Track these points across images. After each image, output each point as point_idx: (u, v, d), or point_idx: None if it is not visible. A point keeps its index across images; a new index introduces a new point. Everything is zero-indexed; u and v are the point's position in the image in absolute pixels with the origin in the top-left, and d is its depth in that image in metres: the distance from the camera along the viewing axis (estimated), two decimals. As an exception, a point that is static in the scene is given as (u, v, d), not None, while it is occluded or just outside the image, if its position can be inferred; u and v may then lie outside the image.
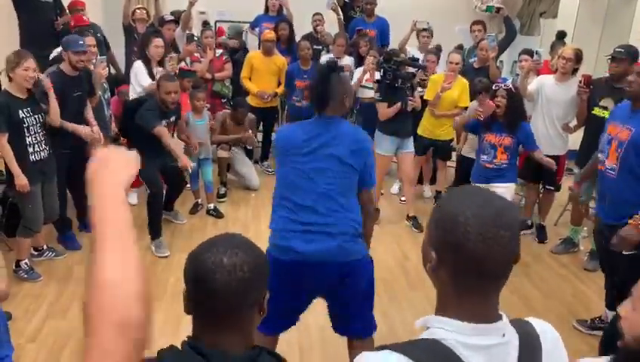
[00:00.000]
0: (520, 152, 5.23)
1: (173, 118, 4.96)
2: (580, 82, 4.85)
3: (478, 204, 1.09)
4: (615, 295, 3.51)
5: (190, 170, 5.01)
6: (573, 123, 5.10)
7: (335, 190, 2.65)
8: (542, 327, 1.22)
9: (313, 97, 2.74)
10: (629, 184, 3.33)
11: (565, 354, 1.25)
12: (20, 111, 3.98)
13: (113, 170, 1.08)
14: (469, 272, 1.10)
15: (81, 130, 4.55)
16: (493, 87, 4.59)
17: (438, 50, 6.42)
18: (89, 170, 1.08)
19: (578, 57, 4.90)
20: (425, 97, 5.70)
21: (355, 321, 2.84)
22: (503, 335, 1.12)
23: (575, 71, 4.97)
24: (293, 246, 2.63)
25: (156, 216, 4.87)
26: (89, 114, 4.78)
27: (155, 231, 4.84)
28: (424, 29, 6.70)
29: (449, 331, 1.10)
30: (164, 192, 5.07)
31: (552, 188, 5.33)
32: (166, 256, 4.71)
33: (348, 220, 2.68)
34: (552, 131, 5.01)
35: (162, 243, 4.84)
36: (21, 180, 3.97)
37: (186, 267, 1.30)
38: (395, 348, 1.11)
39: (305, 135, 2.69)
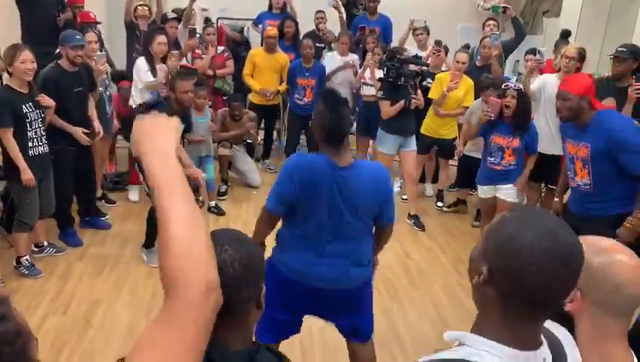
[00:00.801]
0: None
1: (182, 126, 4.80)
2: None
3: (547, 237, 1.05)
4: None
5: (202, 180, 4.65)
6: None
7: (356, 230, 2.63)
8: (563, 337, 1.22)
9: (327, 133, 2.54)
10: (606, 192, 3.40)
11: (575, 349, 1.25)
12: (24, 106, 3.98)
13: (161, 138, 1.14)
14: (522, 300, 1.08)
15: (78, 132, 4.54)
16: (503, 87, 4.51)
17: (438, 44, 6.39)
18: (134, 144, 1.16)
19: (581, 56, 4.88)
20: (430, 96, 5.68)
21: (359, 328, 2.85)
22: (544, 359, 1.11)
23: (578, 70, 4.95)
24: (311, 272, 2.61)
25: (156, 225, 4.69)
26: (91, 110, 4.77)
27: (150, 240, 4.61)
28: (420, 28, 6.72)
29: (494, 356, 1.08)
30: None
31: (554, 187, 5.31)
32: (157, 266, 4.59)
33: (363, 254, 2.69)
34: (554, 130, 4.97)
35: (154, 255, 4.57)
36: (27, 174, 3.98)
37: None
38: None
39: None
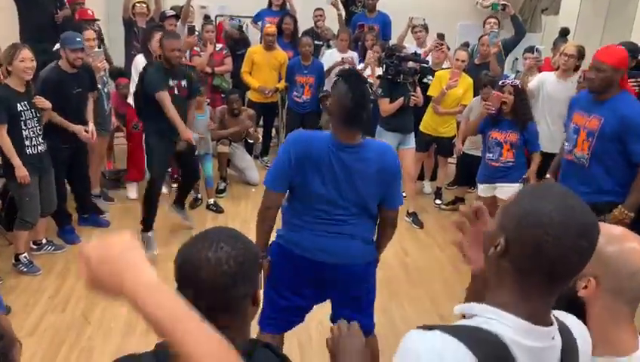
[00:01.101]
0: None
1: (184, 83, 4.66)
2: (580, 77, 4.83)
3: (564, 209, 1.07)
4: None
5: (193, 142, 4.68)
6: None
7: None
8: (572, 324, 1.23)
9: (348, 119, 2.52)
10: (600, 172, 3.38)
11: (586, 333, 1.27)
12: (18, 105, 3.98)
13: (133, 263, 0.95)
14: (538, 272, 1.09)
15: (76, 128, 4.54)
16: (500, 84, 4.51)
17: (441, 37, 6.36)
18: (97, 283, 0.96)
19: (580, 54, 4.88)
20: (429, 93, 5.67)
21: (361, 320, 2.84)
22: (553, 338, 1.12)
23: (577, 68, 4.95)
24: (314, 244, 2.61)
25: (150, 204, 4.67)
26: (88, 113, 4.77)
27: (146, 223, 4.69)
28: (418, 25, 6.71)
29: (506, 326, 1.09)
30: (178, 185, 4.99)
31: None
32: (154, 254, 4.53)
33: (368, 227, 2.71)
34: (553, 128, 4.97)
35: (151, 240, 4.68)
36: (21, 171, 3.97)
37: (174, 262, 1.29)
38: (447, 330, 1.10)
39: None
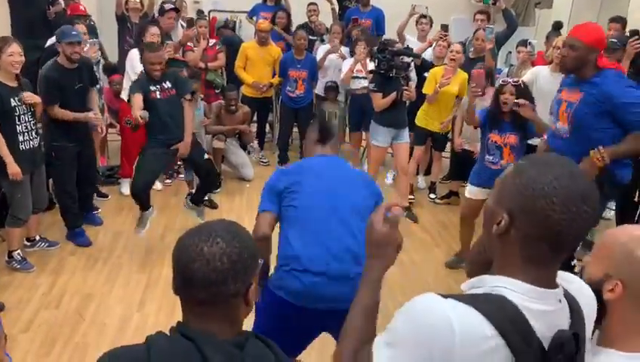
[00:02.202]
0: None
1: (167, 84, 4.48)
2: None
3: (565, 176, 1.09)
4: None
5: (141, 120, 4.24)
6: None
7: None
8: (574, 289, 1.23)
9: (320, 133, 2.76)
10: (579, 142, 3.29)
11: (591, 296, 1.27)
12: (12, 100, 3.95)
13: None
14: (544, 241, 1.10)
15: (81, 116, 4.51)
16: (501, 82, 4.20)
17: (445, 28, 6.29)
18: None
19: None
20: (424, 91, 5.59)
21: None
22: (560, 301, 1.14)
23: None
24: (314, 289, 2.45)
25: (138, 202, 4.52)
26: (93, 105, 4.76)
27: (141, 206, 4.57)
28: (423, 16, 6.61)
29: (514, 292, 1.10)
30: (197, 186, 4.93)
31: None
32: (142, 231, 4.59)
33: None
34: (548, 121, 4.97)
35: (144, 221, 4.60)
36: (13, 168, 3.94)
37: (173, 251, 1.30)
38: (460, 298, 1.11)
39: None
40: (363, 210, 2.45)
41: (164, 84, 4.49)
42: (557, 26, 6.47)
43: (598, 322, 1.33)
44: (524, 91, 4.13)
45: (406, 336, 1.12)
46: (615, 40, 4.42)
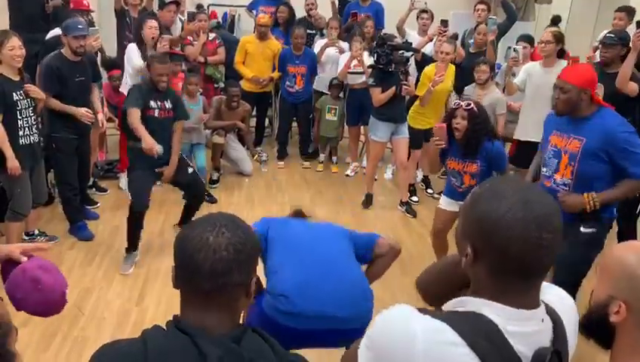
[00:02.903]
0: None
1: (168, 104, 4.47)
2: (569, 63, 4.82)
3: (519, 206, 1.06)
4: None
5: (155, 155, 4.22)
6: None
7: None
8: (553, 301, 1.21)
9: None
10: (579, 192, 3.09)
11: (574, 310, 1.25)
12: (14, 94, 3.95)
13: None
14: (512, 272, 1.08)
15: (72, 110, 4.49)
16: (453, 106, 3.82)
17: (444, 24, 6.26)
18: None
19: (557, 39, 4.82)
20: (417, 93, 5.48)
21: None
22: (542, 320, 1.12)
23: (562, 52, 4.92)
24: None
25: (132, 229, 4.35)
26: (95, 100, 4.75)
27: (129, 243, 4.38)
28: (424, 11, 6.59)
29: (495, 314, 1.09)
30: (183, 207, 4.73)
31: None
32: (126, 274, 4.23)
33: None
34: (543, 116, 4.94)
35: (131, 261, 4.34)
36: (13, 163, 3.94)
37: (175, 243, 1.30)
38: (436, 315, 1.11)
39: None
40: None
41: (165, 102, 4.45)
42: (555, 21, 6.45)
43: (607, 347, 1.31)
44: (477, 115, 3.67)
45: (376, 344, 1.14)
46: (612, 35, 4.42)
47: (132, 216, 4.32)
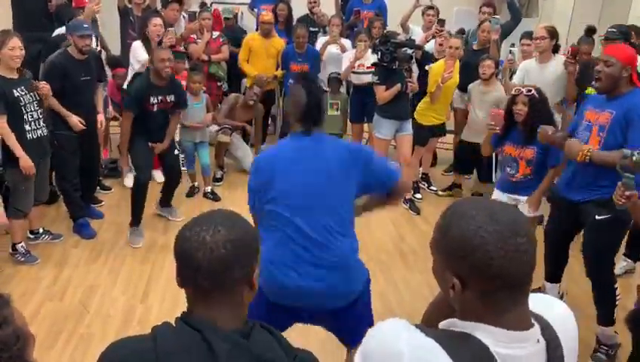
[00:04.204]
0: None
1: (170, 98, 4.67)
2: (568, 52, 4.80)
3: (487, 220, 1.07)
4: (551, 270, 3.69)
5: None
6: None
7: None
8: (552, 318, 1.19)
9: (304, 117, 2.46)
10: (607, 169, 3.07)
11: (574, 327, 1.24)
12: (15, 90, 3.96)
13: None
14: (499, 289, 1.08)
15: (71, 119, 4.50)
16: (513, 92, 3.90)
17: (442, 23, 6.25)
18: None
19: (551, 34, 4.81)
20: (428, 90, 5.47)
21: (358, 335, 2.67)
22: (537, 341, 1.11)
23: (557, 48, 4.90)
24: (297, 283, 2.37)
25: (137, 202, 4.68)
26: (98, 101, 4.76)
27: (134, 218, 4.71)
28: (430, 7, 6.57)
29: (487, 337, 1.08)
30: (162, 185, 5.12)
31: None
32: (139, 247, 4.58)
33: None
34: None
35: (139, 233, 4.70)
36: (26, 162, 3.95)
37: (174, 244, 1.31)
38: (427, 331, 1.11)
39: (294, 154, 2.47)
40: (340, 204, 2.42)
41: (167, 96, 4.66)
42: (590, 31, 6.01)
43: None
44: (538, 101, 3.76)
45: (367, 354, 1.14)
46: (614, 30, 4.40)
47: (138, 188, 4.64)
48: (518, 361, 1.07)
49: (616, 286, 3.33)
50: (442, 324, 1.16)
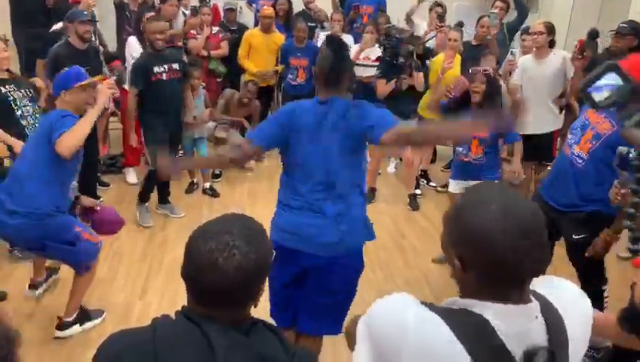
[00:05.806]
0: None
1: (176, 65, 4.76)
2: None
3: (500, 215, 1.08)
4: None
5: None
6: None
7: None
8: (561, 303, 1.19)
9: (324, 78, 2.56)
10: (593, 178, 3.03)
11: (586, 308, 1.24)
12: (2, 88, 3.93)
13: None
14: (497, 276, 1.10)
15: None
16: (470, 71, 4.07)
17: (441, 19, 6.22)
18: None
19: (549, 30, 4.80)
20: (430, 82, 5.46)
21: (327, 318, 2.65)
22: (536, 317, 1.12)
23: (552, 44, 4.89)
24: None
25: (149, 185, 4.87)
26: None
27: (143, 196, 4.88)
28: (438, 5, 6.53)
29: (488, 311, 1.10)
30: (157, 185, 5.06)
31: (549, 163, 5.29)
32: (149, 226, 4.79)
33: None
34: (541, 108, 4.89)
35: (147, 211, 4.89)
36: (20, 148, 3.93)
37: (186, 247, 1.29)
38: (432, 307, 1.14)
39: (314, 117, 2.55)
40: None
41: (172, 64, 4.69)
42: (593, 35, 5.99)
43: None
44: (495, 80, 4.01)
45: (372, 324, 1.17)
46: (626, 25, 4.38)
47: (152, 173, 4.70)
48: (518, 335, 1.09)
49: (604, 288, 3.25)
50: (444, 302, 1.19)
